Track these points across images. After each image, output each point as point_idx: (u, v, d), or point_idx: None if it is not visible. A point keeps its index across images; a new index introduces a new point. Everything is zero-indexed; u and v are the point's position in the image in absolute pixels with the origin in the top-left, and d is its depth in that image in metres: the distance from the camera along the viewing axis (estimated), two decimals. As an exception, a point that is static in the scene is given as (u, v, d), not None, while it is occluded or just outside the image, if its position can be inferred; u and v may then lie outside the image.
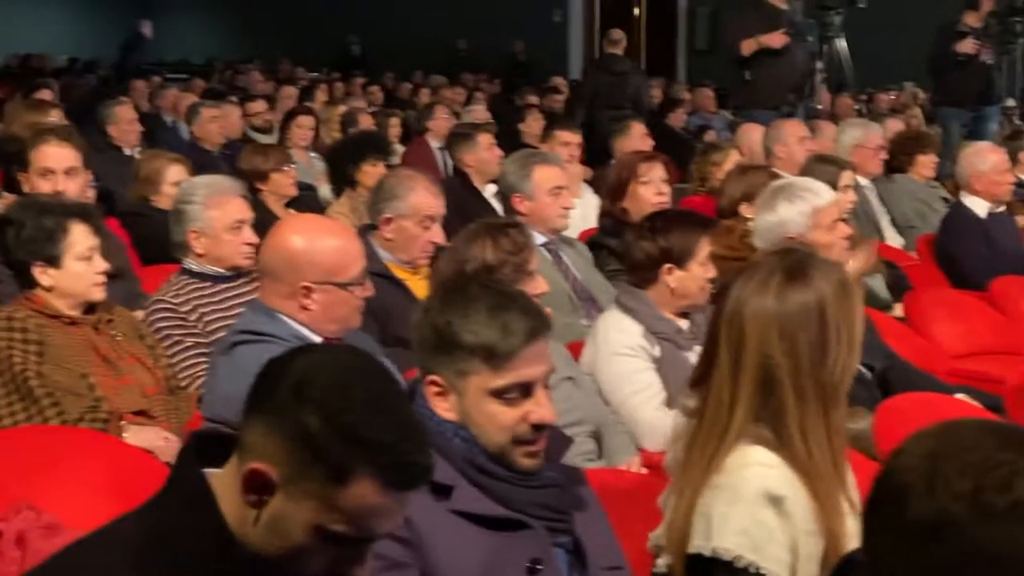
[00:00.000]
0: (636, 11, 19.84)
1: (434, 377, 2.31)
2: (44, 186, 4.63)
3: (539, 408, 2.28)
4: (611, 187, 5.34)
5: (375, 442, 1.71)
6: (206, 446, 1.85)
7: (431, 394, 2.31)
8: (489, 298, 2.31)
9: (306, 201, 6.61)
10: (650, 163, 5.27)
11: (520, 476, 2.30)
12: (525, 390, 2.27)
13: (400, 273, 4.37)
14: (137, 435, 3.45)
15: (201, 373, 3.90)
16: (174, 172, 5.65)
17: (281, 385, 1.75)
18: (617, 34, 11.17)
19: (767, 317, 2.23)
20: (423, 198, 4.40)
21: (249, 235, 4.16)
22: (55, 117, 7.50)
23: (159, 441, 3.47)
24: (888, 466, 1.52)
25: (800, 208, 4.22)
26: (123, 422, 3.51)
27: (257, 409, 1.78)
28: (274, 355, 3.05)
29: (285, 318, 3.19)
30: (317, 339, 3.18)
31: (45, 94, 9.19)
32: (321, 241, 3.21)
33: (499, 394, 2.26)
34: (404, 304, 4.23)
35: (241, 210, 4.19)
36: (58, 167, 4.68)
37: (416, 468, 1.76)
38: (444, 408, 2.30)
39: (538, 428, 2.28)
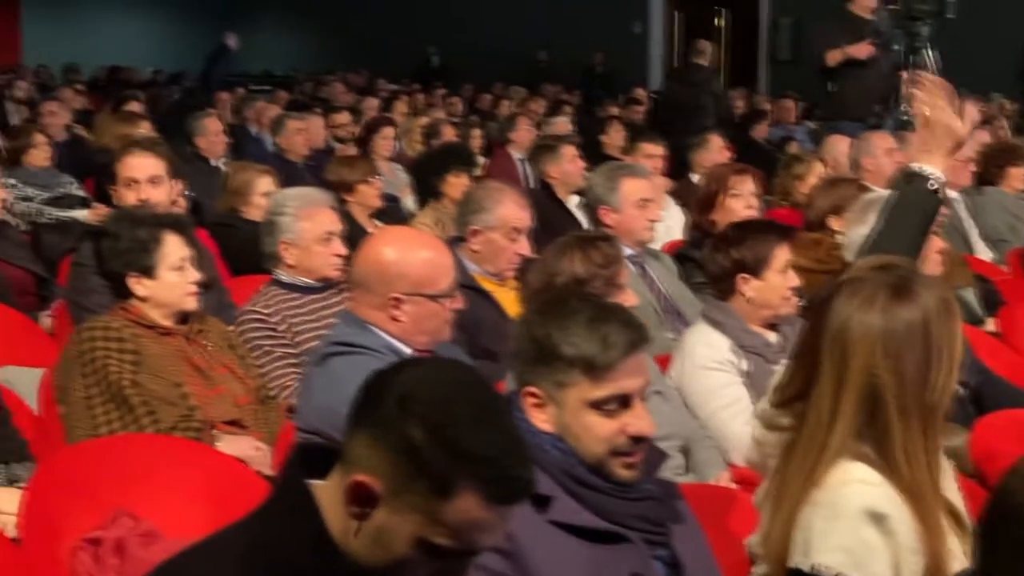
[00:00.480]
0: (718, 21, 19.75)
1: (533, 388, 2.32)
2: (129, 196, 4.68)
3: (638, 420, 2.29)
4: (700, 199, 5.33)
5: (479, 456, 1.72)
6: (309, 458, 1.87)
7: (529, 405, 2.32)
8: (588, 310, 2.33)
9: (391, 212, 6.65)
10: (741, 176, 5.25)
11: (618, 488, 2.30)
12: (624, 402, 2.29)
13: (488, 285, 4.38)
14: (230, 444, 3.49)
15: (290, 383, 3.94)
16: (263, 184, 5.72)
17: (386, 398, 1.77)
18: (703, 45, 11.13)
19: (873, 334, 2.20)
20: (511, 210, 4.42)
21: (339, 247, 4.20)
22: (144, 129, 7.64)
23: (251, 451, 3.51)
24: (1003, 486, 1.50)
25: (893, 222, 4.16)
26: (216, 431, 3.55)
27: (362, 422, 1.79)
28: (367, 367, 3.11)
29: (377, 330, 3.21)
30: (408, 351, 3.21)
31: (134, 106, 9.33)
32: (411, 253, 3.23)
33: (598, 405, 2.28)
34: (492, 316, 4.25)
35: (331, 222, 4.23)
36: (141, 177, 4.73)
37: (519, 483, 1.77)
38: (542, 420, 2.31)
39: (636, 440, 2.29)
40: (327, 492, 1.81)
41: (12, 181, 6.86)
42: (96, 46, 23.92)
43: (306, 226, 4.18)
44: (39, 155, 7.19)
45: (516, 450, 1.77)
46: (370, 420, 1.78)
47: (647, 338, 2.37)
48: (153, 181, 4.75)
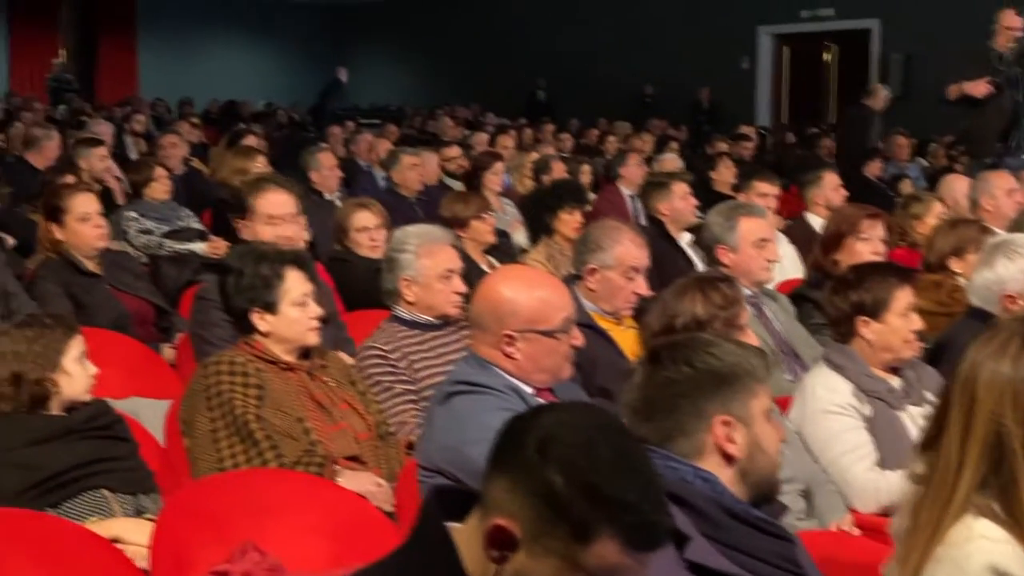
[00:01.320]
0: (826, 57, 19.59)
1: (724, 416, 2.33)
2: (267, 232, 4.77)
3: (780, 428, 2.42)
4: (825, 239, 5.28)
5: (619, 502, 1.72)
6: (447, 500, 1.88)
7: (723, 436, 2.32)
8: (723, 337, 2.44)
9: (503, 248, 6.68)
10: (873, 220, 5.19)
11: (765, 521, 2.30)
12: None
13: (604, 324, 4.38)
14: (351, 480, 3.52)
15: (410, 420, 3.98)
16: (359, 218, 5.79)
17: (526, 442, 1.77)
18: (875, 88, 11.15)
19: (1002, 382, 2.15)
20: (628, 249, 4.42)
21: (459, 284, 4.23)
22: (260, 163, 7.77)
23: (372, 486, 3.53)
24: None
25: (1020, 266, 4.10)
26: (337, 467, 3.58)
27: (501, 466, 1.80)
28: (490, 406, 3.13)
29: (497, 369, 3.23)
30: (529, 390, 3.22)
31: (251, 140, 9.48)
32: (524, 290, 3.23)
33: (768, 415, 2.37)
34: (609, 355, 4.25)
35: (452, 259, 4.26)
36: (281, 212, 4.83)
37: (658, 528, 1.76)
38: (734, 448, 2.32)
39: None
40: (465, 535, 1.82)
41: (133, 214, 7.02)
42: (208, 80, 24.43)
43: (427, 263, 4.22)
44: (159, 188, 7.33)
45: (655, 496, 1.77)
46: (509, 464, 1.79)
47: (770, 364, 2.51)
48: (291, 219, 4.83)
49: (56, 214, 5.12)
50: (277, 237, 4.72)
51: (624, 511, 1.72)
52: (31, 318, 3.56)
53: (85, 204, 5.17)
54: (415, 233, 4.35)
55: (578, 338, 3.30)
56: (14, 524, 2.89)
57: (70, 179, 6.70)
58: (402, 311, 4.25)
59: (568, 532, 1.72)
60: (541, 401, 3.22)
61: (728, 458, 2.32)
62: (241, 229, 4.86)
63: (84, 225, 5.14)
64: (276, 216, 4.84)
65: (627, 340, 4.32)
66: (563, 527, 1.72)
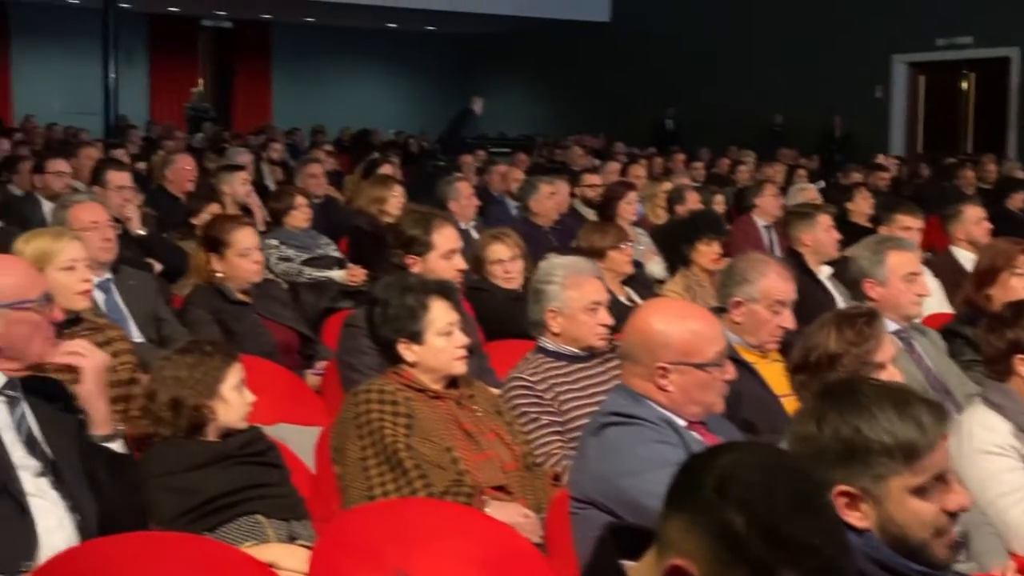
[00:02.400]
0: (963, 85, 19.22)
1: (846, 488, 2.24)
2: (444, 267, 4.89)
3: (956, 495, 2.26)
4: (979, 273, 5.17)
5: (801, 544, 1.69)
6: (620, 538, 1.87)
7: (841, 506, 2.24)
8: (887, 395, 2.27)
9: (639, 279, 6.65)
10: (1029, 255, 5.08)
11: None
12: (942, 479, 2.25)
13: (749, 357, 4.32)
14: (499, 510, 3.52)
15: (556, 451, 3.97)
16: (495, 250, 5.81)
17: (704, 482, 1.75)
18: None
19: None
20: (774, 283, 4.37)
21: (604, 316, 4.22)
22: (397, 193, 7.86)
23: (519, 517, 3.53)
24: None
25: None
26: (485, 496, 3.58)
27: (678, 505, 1.78)
28: (642, 437, 3.10)
29: (650, 401, 3.21)
30: (683, 423, 3.19)
31: (387, 168, 9.59)
32: (677, 322, 3.22)
33: (921, 490, 2.23)
34: (754, 389, 4.20)
35: (598, 291, 4.26)
36: (458, 247, 5.00)
37: (841, 572, 1.72)
38: (856, 518, 2.24)
39: (952, 515, 2.25)
40: (640, 574, 1.80)
41: (274, 242, 7.14)
42: (339, 108, 24.86)
43: (573, 295, 4.22)
44: (299, 216, 7.44)
45: (838, 538, 1.73)
46: (687, 504, 1.77)
47: (947, 411, 2.34)
48: (460, 251, 5.00)
49: (217, 246, 5.24)
50: (454, 271, 4.80)
51: (807, 554, 1.68)
52: (192, 344, 3.63)
53: (246, 239, 5.30)
54: (562, 264, 4.36)
55: (731, 372, 3.29)
56: (175, 547, 2.95)
57: (229, 211, 6.84)
58: (548, 342, 4.25)
59: (748, 574, 1.69)
60: (694, 434, 3.19)
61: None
62: (411, 265, 4.91)
63: (244, 260, 5.26)
64: (453, 250, 4.92)
65: (772, 373, 4.27)
66: (742, 569, 1.69)
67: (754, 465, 1.78)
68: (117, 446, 3.15)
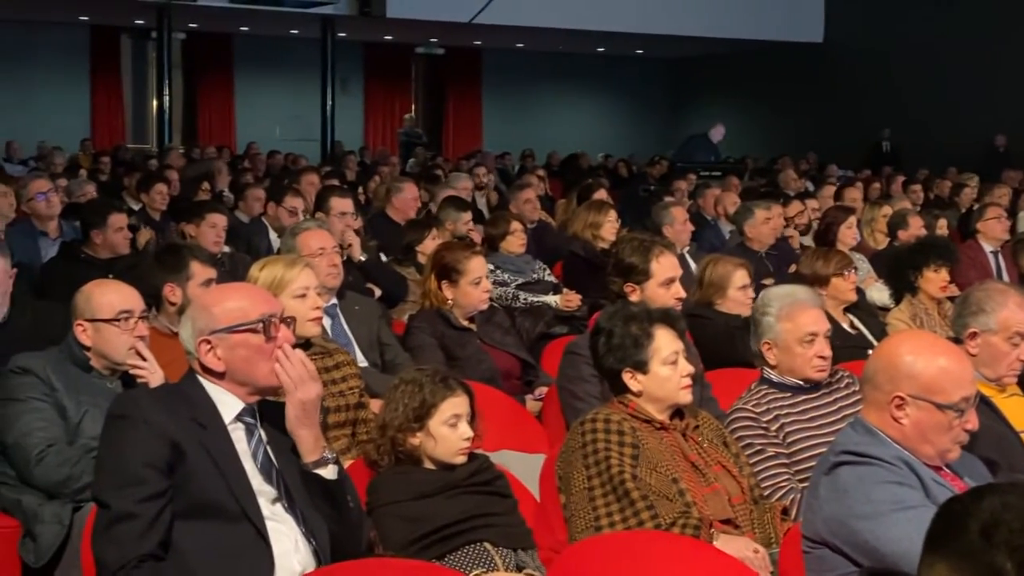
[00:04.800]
0: None
1: None
2: (663, 295, 4.87)
3: None
4: None
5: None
6: None
7: None
8: None
9: (863, 306, 6.48)
10: None
11: None
12: None
13: (987, 391, 4.15)
14: (727, 544, 3.45)
15: (784, 484, 3.89)
16: (740, 276, 5.71)
17: (968, 526, 1.69)
18: None
19: None
20: (1014, 314, 4.20)
21: (823, 347, 4.12)
22: (611, 218, 7.85)
23: (748, 552, 3.46)
24: None
25: None
26: (713, 530, 3.53)
27: (941, 550, 1.72)
28: (877, 478, 2.99)
29: (887, 438, 3.10)
30: (920, 463, 3.07)
31: (601, 193, 9.59)
32: (926, 356, 3.08)
33: None
34: (991, 423, 4.02)
35: (815, 322, 4.15)
36: (678, 275, 4.95)
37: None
38: None
39: None
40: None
41: (490, 266, 7.20)
42: (547, 132, 25.04)
43: (787, 327, 4.13)
44: (515, 241, 7.49)
45: None
46: (950, 549, 1.70)
47: None
48: (679, 278, 4.99)
49: (450, 274, 5.31)
50: (673, 299, 4.77)
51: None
52: (417, 373, 3.65)
53: (479, 268, 5.38)
54: (777, 296, 4.27)
55: (973, 422, 3.11)
56: (408, 574, 2.97)
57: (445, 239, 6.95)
58: (771, 373, 4.17)
59: None
60: (932, 473, 3.07)
61: None
62: (630, 293, 4.89)
63: (475, 288, 5.34)
64: (672, 278, 4.89)
65: (1010, 408, 4.11)
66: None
67: (1021, 508, 1.70)
68: (328, 472, 3.05)
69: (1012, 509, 1.69)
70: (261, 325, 3.02)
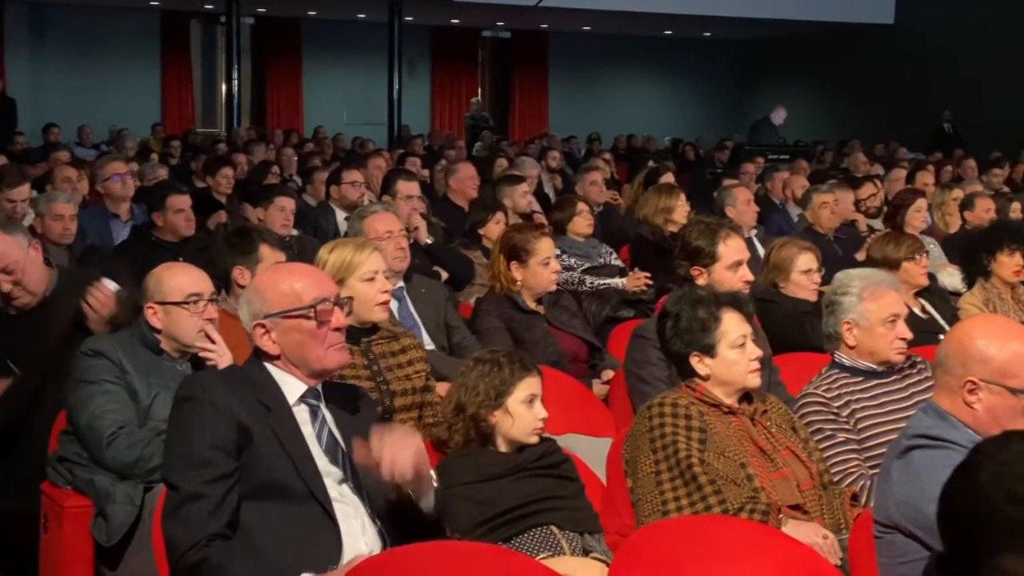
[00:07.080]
0: None
1: None
2: (730, 278, 4.84)
3: None
4: None
5: None
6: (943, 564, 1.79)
7: None
8: None
9: (934, 291, 6.39)
10: None
11: None
12: None
13: (1062, 376, 4.08)
14: (796, 530, 3.42)
15: (854, 470, 3.85)
16: (804, 260, 5.64)
17: None
18: None
19: None
20: (1091, 297, 4.12)
21: (903, 330, 4.07)
22: (681, 202, 7.79)
23: (817, 538, 3.42)
24: None
25: None
26: (782, 515, 3.49)
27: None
28: (950, 462, 2.94)
29: (959, 422, 3.06)
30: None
31: (668, 177, 9.54)
32: (1000, 340, 3.04)
33: None
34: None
35: (896, 304, 4.12)
36: (745, 258, 4.94)
37: None
38: None
39: None
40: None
41: (556, 250, 7.18)
42: (613, 115, 24.95)
43: (871, 307, 4.08)
44: (581, 224, 7.46)
45: None
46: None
47: None
48: (747, 261, 4.98)
49: (520, 255, 5.32)
50: (741, 282, 4.74)
51: None
52: (491, 353, 3.67)
53: (548, 249, 5.39)
54: (859, 276, 4.23)
55: None
56: (475, 557, 2.97)
57: (511, 221, 6.92)
58: (843, 357, 4.12)
59: None
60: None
61: None
62: (697, 276, 4.86)
63: (544, 268, 5.34)
64: (739, 262, 4.86)
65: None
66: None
67: None
68: None
69: None
70: (313, 311, 3.02)
